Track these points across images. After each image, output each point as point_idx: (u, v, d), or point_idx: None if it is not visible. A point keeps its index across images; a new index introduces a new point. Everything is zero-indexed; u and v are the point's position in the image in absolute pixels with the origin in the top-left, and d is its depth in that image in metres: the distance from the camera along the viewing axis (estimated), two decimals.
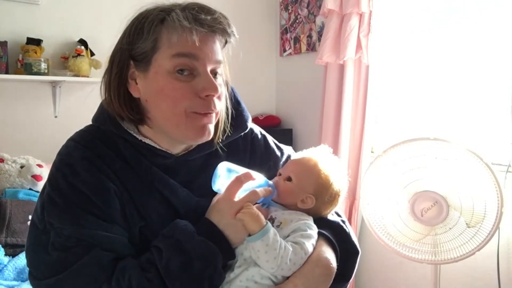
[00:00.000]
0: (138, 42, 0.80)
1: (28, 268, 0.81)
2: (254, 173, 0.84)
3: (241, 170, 0.84)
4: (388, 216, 1.76)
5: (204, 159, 0.92)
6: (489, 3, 2.03)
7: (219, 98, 0.83)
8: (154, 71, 0.80)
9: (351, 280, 0.93)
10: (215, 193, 0.85)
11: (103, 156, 0.82)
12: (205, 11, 0.79)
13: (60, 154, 0.85)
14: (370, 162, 1.85)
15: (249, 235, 0.79)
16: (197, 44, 0.77)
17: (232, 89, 0.96)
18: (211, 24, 0.78)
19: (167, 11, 0.79)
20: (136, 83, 0.83)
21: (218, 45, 0.82)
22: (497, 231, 1.65)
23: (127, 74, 0.82)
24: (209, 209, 0.84)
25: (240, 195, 0.81)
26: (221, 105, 0.85)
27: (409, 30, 2.35)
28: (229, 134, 0.93)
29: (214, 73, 0.83)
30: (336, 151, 2.40)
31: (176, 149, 0.88)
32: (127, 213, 0.81)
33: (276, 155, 1.03)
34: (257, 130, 1.04)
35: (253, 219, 0.78)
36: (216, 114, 0.85)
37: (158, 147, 0.86)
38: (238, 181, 0.81)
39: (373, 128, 2.47)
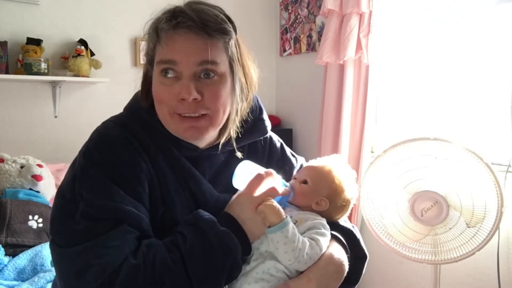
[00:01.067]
0: (147, 48, 0.88)
1: (50, 237, 0.81)
2: (274, 173, 0.88)
3: (261, 169, 0.88)
4: (388, 216, 1.76)
5: (227, 156, 0.96)
6: (489, 3, 2.03)
7: (203, 101, 0.83)
8: (153, 74, 0.86)
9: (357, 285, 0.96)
10: (235, 190, 0.89)
11: (139, 139, 0.86)
12: (183, 15, 0.80)
13: (98, 131, 0.87)
14: (370, 162, 1.85)
15: (269, 227, 0.82)
16: (170, 50, 0.81)
17: (256, 98, 1.00)
18: (187, 26, 0.80)
19: (158, 21, 0.84)
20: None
21: (202, 45, 0.81)
22: (497, 231, 1.66)
23: (147, 72, 0.90)
24: (229, 203, 0.87)
25: (260, 191, 0.85)
26: (214, 106, 0.84)
27: (409, 30, 2.35)
28: (240, 136, 0.95)
29: (206, 73, 0.83)
30: (336, 151, 2.40)
31: (200, 143, 0.91)
32: (153, 197, 0.84)
33: (291, 162, 1.09)
34: (276, 138, 1.10)
35: (274, 211, 0.82)
36: (210, 116, 0.84)
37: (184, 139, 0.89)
38: (260, 178, 0.85)
39: (373, 128, 2.47)
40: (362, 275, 0.97)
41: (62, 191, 0.82)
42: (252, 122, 0.99)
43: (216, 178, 0.93)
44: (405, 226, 1.74)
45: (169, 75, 0.82)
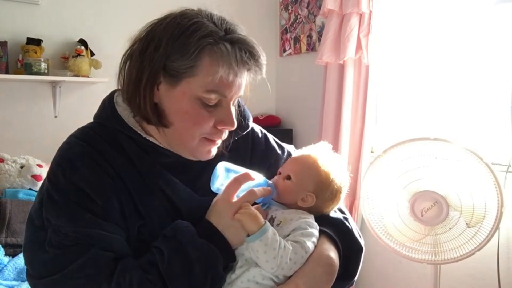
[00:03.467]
0: (177, 56, 0.77)
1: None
2: (253, 173, 0.84)
3: (240, 169, 0.84)
4: (388, 216, 1.76)
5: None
6: (489, 3, 2.03)
7: None
8: (182, 90, 0.79)
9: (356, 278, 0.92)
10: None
11: (104, 153, 0.81)
12: (250, 51, 0.81)
13: (61, 149, 0.84)
14: (370, 162, 1.85)
15: (248, 235, 0.78)
16: (225, 84, 0.80)
17: None
18: (252, 66, 0.82)
19: (216, 37, 0.77)
20: (158, 89, 0.81)
21: (245, 78, 0.85)
22: (497, 231, 1.66)
23: (155, 79, 0.80)
24: (208, 210, 0.83)
25: (239, 195, 0.81)
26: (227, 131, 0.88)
27: (409, 30, 2.35)
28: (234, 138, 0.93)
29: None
30: (336, 151, 2.39)
31: None
32: (126, 212, 0.79)
33: (277, 153, 1.02)
34: (258, 129, 1.04)
35: (251, 219, 0.78)
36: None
37: (161, 145, 0.85)
38: (236, 182, 0.81)
39: (373, 128, 2.47)
40: (359, 269, 0.91)
41: (32, 217, 0.80)
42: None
43: (196, 182, 0.88)
44: (405, 226, 1.74)
45: (211, 103, 0.80)
